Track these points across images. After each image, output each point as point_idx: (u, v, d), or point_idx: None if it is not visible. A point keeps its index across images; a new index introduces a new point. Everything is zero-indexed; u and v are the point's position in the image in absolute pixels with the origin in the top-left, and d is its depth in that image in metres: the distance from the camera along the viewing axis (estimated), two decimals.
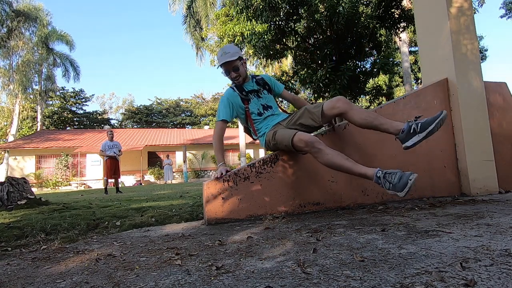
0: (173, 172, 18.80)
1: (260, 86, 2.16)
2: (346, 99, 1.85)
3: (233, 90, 2.13)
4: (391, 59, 9.52)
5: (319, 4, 7.76)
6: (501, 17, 20.00)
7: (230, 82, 2.26)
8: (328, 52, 7.81)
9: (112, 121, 36.31)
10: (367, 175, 1.57)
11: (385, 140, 2.34)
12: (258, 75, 2.25)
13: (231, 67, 2.05)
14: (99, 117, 34.17)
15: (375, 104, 12.28)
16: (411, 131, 1.58)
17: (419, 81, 19.72)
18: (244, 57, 2.15)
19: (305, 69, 8.73)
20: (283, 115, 2.13)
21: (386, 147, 2.33)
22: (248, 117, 2.09)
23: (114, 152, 7.28)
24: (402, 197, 1.37)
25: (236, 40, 9.45)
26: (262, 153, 20.80)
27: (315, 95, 9.21)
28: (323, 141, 2.20)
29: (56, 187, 17.81)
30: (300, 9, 7.99)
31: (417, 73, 19.51)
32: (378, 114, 1.73)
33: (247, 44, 9.08)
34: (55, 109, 30.67)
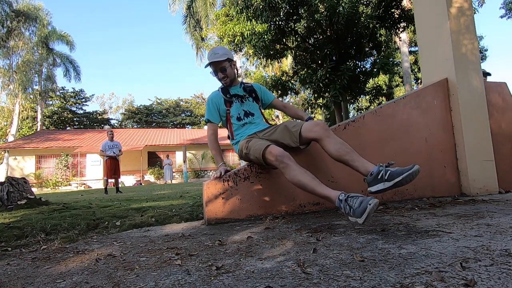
0: (173, 172, 18.80)
1: (246, 93, 2.15)
2: (325, 125, 1.78)
3: (218, 92, 2.16)
4: (391, 59, 9.53)
5: (319, 4, 7.77)
6: (501, 17, 20.03)
7: None
8: (328, 52, 7.81)
9: (112, 121, 36.34)
10: (330, 198, 1.48)
11: (385, 141, 2.34)
12: (248, 83, 2.25)
13: (219, 68, 2.06)
14: (99, 117, 34.18)
15: (375, 104, 12.30)
16: (379, 176, 1.46)
17: (419, 81, 19.72)
18: (234, 60, 2.16)
19: (305, 69, 8.74)
20: (263, 125, 2.08)
21: (386, 147, 2.33)
22: (228, 120, 2.09)
23: (114, 152, 7.28)
24: (361, 224, 1.27)
25: (236, 40, 9.46)
26: None
27: (315, 95, 9.23)
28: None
29: (56, 187, 17.81)
30: (300, 9, 8.00)
31: (417, 73, 19.50)
32: (353, 150, 1.64)
33: (247, 44, 9.10)
34: (55, 109, 30.67)
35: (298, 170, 1.62)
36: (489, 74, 4.11)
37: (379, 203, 1.29)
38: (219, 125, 2.17)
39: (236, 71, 2.16)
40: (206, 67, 2.11)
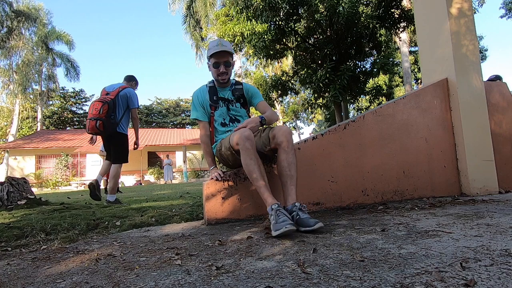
0: (173, 172, 18.80)
1: (234, 98, 2.01)
2: (290, 136, 1.71)
3: (204, 89, 2.02)
4: (391, 59, 9.53)
5: (319, 4, 7.77)
6: (501, 17, 20.04)
7: None
8: (328, 52, 7.81)
9: None
10: (266, 202, 1.56)
11: (385, 141, 2.34)
12: (239, 84, 2.07)
13: (223, 60, 1.91)
14: None
15: (375, 104, 12.31)
16: (290, 214, 1.53)
17: (419, 81, 19.72)
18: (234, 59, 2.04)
19: (305, 69, 8.74)
20: None
21: (386, 147, 2.33)
22: (211, 123, 2.00)
23: None
24: (273, 236, 1.40)
25: (236, 40, 9.46)
26: None
27: (315, 95, 9.23)
28: (323, 141, 2.20)
29: (56, 187, 17.80)
30: (300, 9, 8.00)
31: (417, 73, 19.50)
32: (294, 176, 1.65)
33: (247, 44, 9.09)
34: (55, 109, 30.66)
35: (254, 160, 1.62)
36: (499, 78, 4.13)
37: (295, 230, 1.41)
38: None
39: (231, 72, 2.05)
40: (209, 56, 1.93)
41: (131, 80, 3.67)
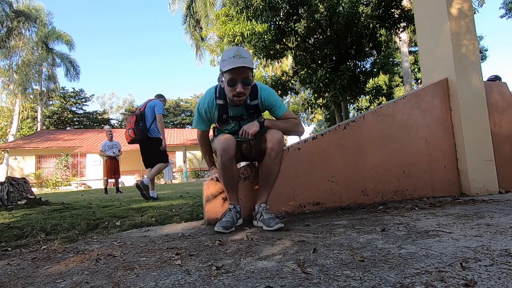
0: (173, 172, 18.79)
1: (247, 115, 1.72)
2: (279, 145, 1.64)
3: (212, 101, 1.68)
4: (391, 59, 9.54)
5: (319, 4, 7.77)
6: (501, 17, 20.00)
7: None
8: (328, 52, 7.81)
9: (112, 121, 36.30)
10: (228, 199, 1.76)
11: (385, 141, 2.34)
12: (255, 97, 1.70)
13: (241, 78, 1.52)
14: (99, 117, 34.16)
15: (375, 104, 12.31)
16: (257, 215, 1.70)
17: (419, 81, 19.72)
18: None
19: (305, 69, 8.74)
20: None
21: (386, 147, 2.33)
22: (213, 133, 1.86)
23: (114, 152, 7.28)
24: (215, 229, 1.62)
25: (236, 40, 9.46)
26: None
27: (315, 95, 9.23)
28: (323, 141, 2.20)
29: (56, 187, 17.81)
30: (300, 9, 8.00)
31: (417, 73, 19.50)
32: (270, 184, 1.75)
33: (247, 44, 9.09)
34: (55, 109, 30.66)
35: (228, 171, 1.67)
36: (499, 78, 4.14)
37: (226, 232, 1.58)
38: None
39: None
40: (223, 71, 1.54)
41: (160, 97, 4.32)
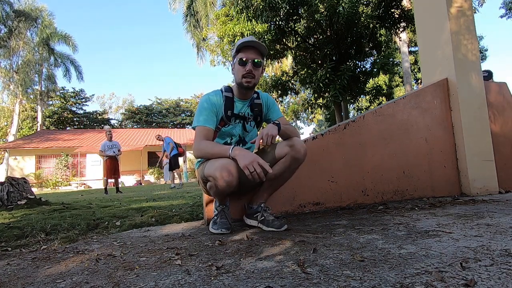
0: None
1: (252, 114, 1.68)
2: (305, 154, 1.58)
3: (219, 95, 1.62)
4: (391, 59, 9.54)
5: (319, 4, 7.77)
6: (501, 17, 20.00)
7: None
8: (328, 52, 7.82)
9: (112, 121, 36.29)
10: (215, 201, 1.68)
11: (385, 141, 2.34)
12: (259, 99, 1.70)
13: (254, 58, 1.53)
14: (99, 117, 34.16)
15: (375, 104, 12.30)
16: (255, 215, 1.68)
17: (419, 81, 19.71)
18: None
19: (305, 69, 8.74)
20: None
21: (386, 147, 2.33)
22: (214, 137, 1.63)
23: (114, 152, 7.28)
24: (210, 231, 1.64)
25: (236, 40, 9.46)
26: None
27: (315, 95, 9.23)
28: (323, 141, 2.20)
29: (56, 187, 17.80)
30: (300, 9, 8.00)
31: (417, 73, 19.49)
32: (275, 188, 1.72)
33: None
34: (55, 109, 30.65)
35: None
36: (490, 73, 4.14)
37: (228, 233, 1.58)
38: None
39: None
40: (238, 49, 1.55)
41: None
